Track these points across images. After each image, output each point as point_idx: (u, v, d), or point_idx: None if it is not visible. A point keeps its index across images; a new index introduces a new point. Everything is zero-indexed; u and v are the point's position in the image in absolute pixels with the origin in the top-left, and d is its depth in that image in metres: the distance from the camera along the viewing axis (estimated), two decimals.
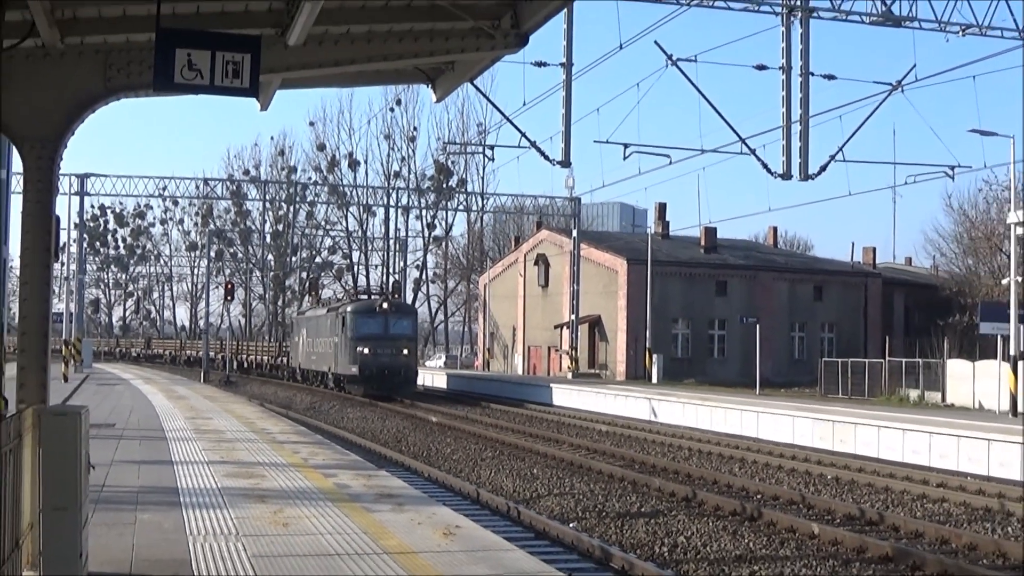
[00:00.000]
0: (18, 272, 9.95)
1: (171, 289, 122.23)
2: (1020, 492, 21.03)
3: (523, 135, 39.25)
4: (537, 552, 12.72)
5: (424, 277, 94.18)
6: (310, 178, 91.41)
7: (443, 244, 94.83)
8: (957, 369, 43.32)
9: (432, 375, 68.14)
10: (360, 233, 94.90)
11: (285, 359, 70.02)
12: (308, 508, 12.77)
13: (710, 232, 68.99)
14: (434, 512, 12.90)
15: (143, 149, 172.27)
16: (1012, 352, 35.93)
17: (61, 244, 40.84)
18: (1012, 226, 35.52)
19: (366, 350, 49.55)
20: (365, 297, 59.07)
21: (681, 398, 40.23)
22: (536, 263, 73.04)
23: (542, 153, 37.94)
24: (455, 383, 63.08)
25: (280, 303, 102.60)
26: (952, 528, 17.06)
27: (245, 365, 78.06)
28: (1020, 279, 37.54)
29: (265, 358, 75.20)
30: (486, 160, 71.48)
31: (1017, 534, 17.28)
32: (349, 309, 52.40)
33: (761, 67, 34.58)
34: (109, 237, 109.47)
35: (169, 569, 9.31)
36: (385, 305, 52.61)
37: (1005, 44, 32.86)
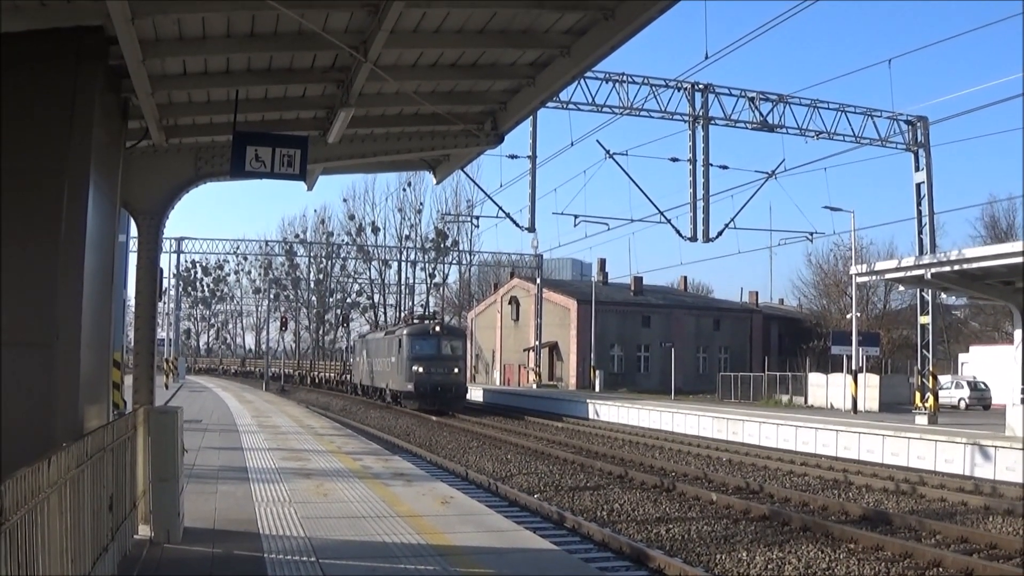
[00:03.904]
0: (133, 308, 9.97)
1: (241, 322, 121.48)
2: (858, 468, 21.19)
3: (500, 208, 39.41)
4: (510, 516, 12.72)
5: (427, 314, 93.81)
6: (343, 240, 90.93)
7: (441, 289, 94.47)
8: (815, 380, 43.53)
9: None
10: (380, 281, 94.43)
11: (348, 376, 61.21)
12: (341, 483, 12.77)
13: (638, 280, 69.17)
14: (434, 487, 12.92)
15: (222, 217, 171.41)
16: (853, 367, 36.33)
17: (163, 288, 40.63)
18: (853, 276, 35.88)
19: (421, 369, 41.59)
20: (419, 321, 48.90)
21: (616, 402, 40.18)
22: (510, 303, 72.94)
23: (514, 221, 37.98)
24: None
25: (321, 332, 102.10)
26: (810, 494, 17.18)
27: (316, 381, 70.00)
28: (859, 315, 37.87)
29: (332, 375, 68.04)
30: (473, 227, 71.73)
31: (855, 497, 17.40)
32: (405, 332, 43.95)
33: (674, 159, 34.72)
34: (197, 283, 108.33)
35: (242, 526, 9.32)
36: (438, 328, 44.36)
37: (846, 145, 33.35)
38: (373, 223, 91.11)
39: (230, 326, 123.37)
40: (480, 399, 51.94)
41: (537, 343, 61.54)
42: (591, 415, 39.92)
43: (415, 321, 48.85)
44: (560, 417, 39.02)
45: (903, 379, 44.47)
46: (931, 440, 22.57)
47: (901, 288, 42.52)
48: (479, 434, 30.78)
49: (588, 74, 29.55)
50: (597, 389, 55.00)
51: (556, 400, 45.28)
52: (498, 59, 9.12)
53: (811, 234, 38.46)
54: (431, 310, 70.13)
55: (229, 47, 7.83)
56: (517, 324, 71.54)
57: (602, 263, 72.69)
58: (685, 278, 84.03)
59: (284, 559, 7.88)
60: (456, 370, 43.01)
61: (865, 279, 37.19)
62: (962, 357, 53.80)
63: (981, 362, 48.97)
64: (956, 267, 23.49)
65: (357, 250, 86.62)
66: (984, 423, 28.60)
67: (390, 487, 12.43)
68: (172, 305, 63.20)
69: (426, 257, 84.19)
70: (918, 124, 33.48)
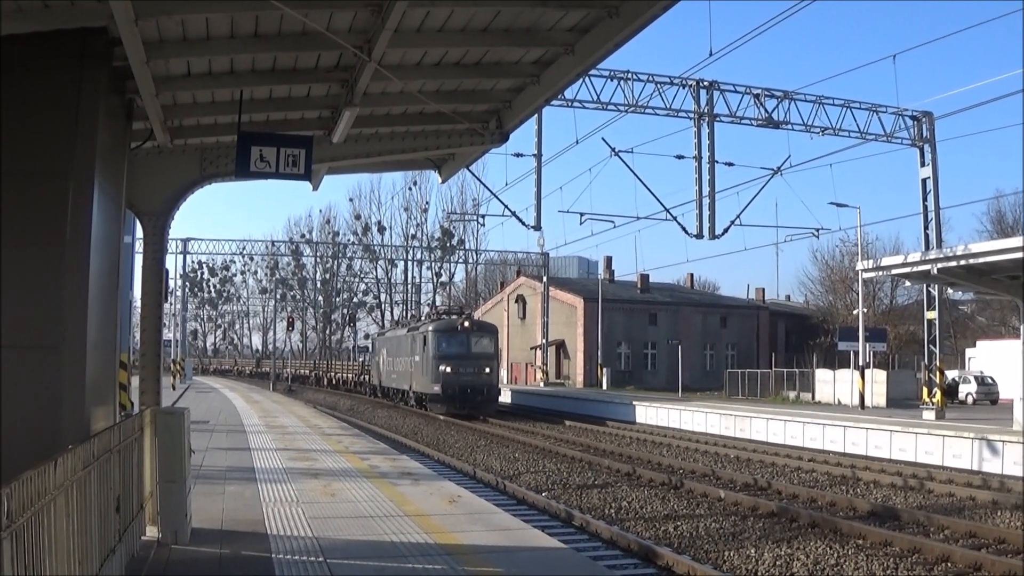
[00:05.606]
0: (139, 309, 9.97)
1: (248, 322, 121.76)
2: (865, 464, 21.12)
3: (506, 206, 39.47)
4: (518, 514, 12.68)
5: (453, 308, 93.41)
6: (349, 240, 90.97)
7: (447, 288, 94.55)
8: (822, 376, 43.40)
9: None
10: (386, 280, 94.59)
11: (367, 377, 56.58)
12: (349, 483, 12.75)
13: (644, 277, 69.03)
14: (442, 485, 12.90)
15: (228, 218, 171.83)
16: (860, 363, 36.20)
17: (169, 290, 40.60)
18: (859, 272, 35.73)
19: (448, 369, 37.47)
20: (446, 316, 43.08)
21: (623, 400, 40.01)
22: (516, 301, 72.87)
23: (520, 220, 37.83)
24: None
25: (327, 332, 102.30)
26: (818, 490, 17.12)
27: (332, 383, 66.13)
28: (865, 310, 37.76)
29: (349, 376, 63.73)
30: (479, 225, 71.78)
31: (863, 493, 17.34)
32: (431, 328, 39.37)
33: (680, 156, 34.54)
34: (204, 284, 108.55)
35: (249, 527, 9.31)
36: (467, 324, 39.60)
37: (851, 142, 33.30)
38: (379, 222, 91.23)
39: (237, 326, 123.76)
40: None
41: (544, 341, 61.50)
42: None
43: (441, 316, 43.56)
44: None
45: (910, 374, 44.33)
46: (939, 435, 22.48)
47: (908, 283, 42.49)
48: (486, 432, 30.75)
49: (593, 72, 29.50)
50: (604, 387, 54.92)
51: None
52: (502, 57, 9.10)
53: (817, 230, 38.33)
54: (449, 305, 66.19)
55: (233, 47, 7.82)
56: (524, 322, 71.47)
57: (608, 261, 72.73)
58: (691, 275, 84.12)
59: (292, 559, 7.87)
60: (488, 370, 38.51)
61: (871, 275, 37.00)
62: (969, 352, 53.67)
63: (988, 357, 48.84)
64: (962, 262, 23.40)
65: (363, 249, 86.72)
66: (992, 418, 28.49)
67: (398, 486, 12.41)
68: (178, 306, 63.26)
69: (432, 256, 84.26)
70: (923, 119, 33.38)
